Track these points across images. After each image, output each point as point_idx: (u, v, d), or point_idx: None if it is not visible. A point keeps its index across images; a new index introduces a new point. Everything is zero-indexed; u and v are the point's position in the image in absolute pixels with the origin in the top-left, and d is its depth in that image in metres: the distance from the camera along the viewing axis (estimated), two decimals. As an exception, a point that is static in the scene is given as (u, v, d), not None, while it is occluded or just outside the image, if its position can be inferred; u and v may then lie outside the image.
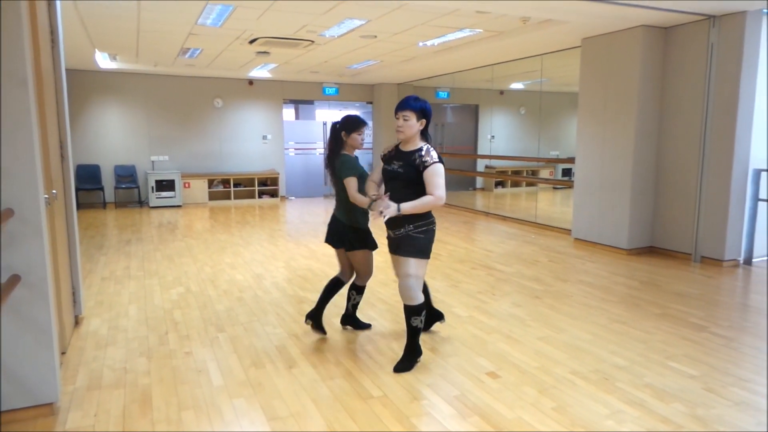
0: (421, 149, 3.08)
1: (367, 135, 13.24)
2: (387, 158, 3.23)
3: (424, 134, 3.16)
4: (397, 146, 3.22)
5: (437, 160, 3.04)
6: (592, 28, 6.39)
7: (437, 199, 3.00)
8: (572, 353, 3.50)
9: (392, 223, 3.11)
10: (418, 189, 3.05)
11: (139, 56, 8.78)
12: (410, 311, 3.18)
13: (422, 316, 3.21)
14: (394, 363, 3.30)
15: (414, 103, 3.08)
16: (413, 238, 3.10)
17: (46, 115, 3.14)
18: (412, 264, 3.12)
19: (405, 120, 3.07)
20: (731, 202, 5.78)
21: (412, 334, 3.25)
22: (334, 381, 3.11)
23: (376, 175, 3.33)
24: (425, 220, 3.13)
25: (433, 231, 3.19)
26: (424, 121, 3.09)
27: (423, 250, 3.14)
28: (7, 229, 2.52)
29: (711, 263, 5.94)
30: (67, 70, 3.98)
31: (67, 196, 3.87)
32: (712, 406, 2.82)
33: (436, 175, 3.00)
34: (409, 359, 3.27)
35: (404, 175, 3.07)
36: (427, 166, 3.01)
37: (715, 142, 5.86)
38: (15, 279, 2.51)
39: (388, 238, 3.24)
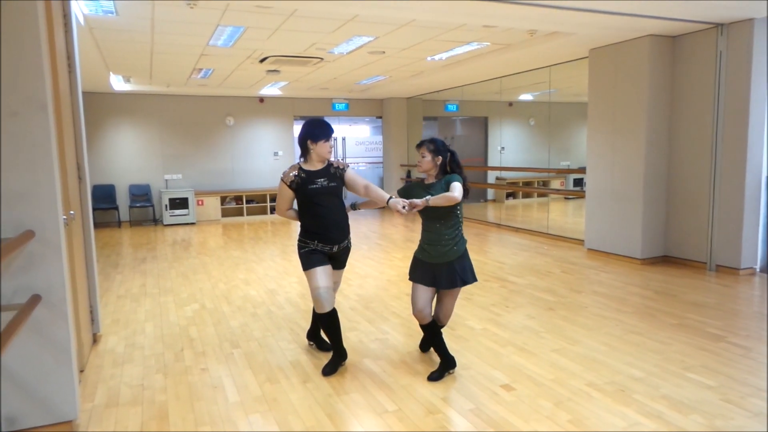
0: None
1: (376, 149, 13.32)
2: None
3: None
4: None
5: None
6: (600, 39, 6.41)
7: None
8: (588, 365, 3.48)
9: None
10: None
11: (153, 78, 8.95)
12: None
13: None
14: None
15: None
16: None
17: (64, 138, 3.22)
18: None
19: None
20: (746, 209, 5.72)
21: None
22: (348, 395, 3.12)
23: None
24: None
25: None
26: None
27: None
28: (28, 250, 2.58)
29: (727, 272, 5.88)
30: (83, 93, 4.08)
31: (84, 217, 3.95)
32: (730, 417, 2.78)
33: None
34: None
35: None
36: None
37: (727, 150, 5.83)
38: (36, 299, 2.57)
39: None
